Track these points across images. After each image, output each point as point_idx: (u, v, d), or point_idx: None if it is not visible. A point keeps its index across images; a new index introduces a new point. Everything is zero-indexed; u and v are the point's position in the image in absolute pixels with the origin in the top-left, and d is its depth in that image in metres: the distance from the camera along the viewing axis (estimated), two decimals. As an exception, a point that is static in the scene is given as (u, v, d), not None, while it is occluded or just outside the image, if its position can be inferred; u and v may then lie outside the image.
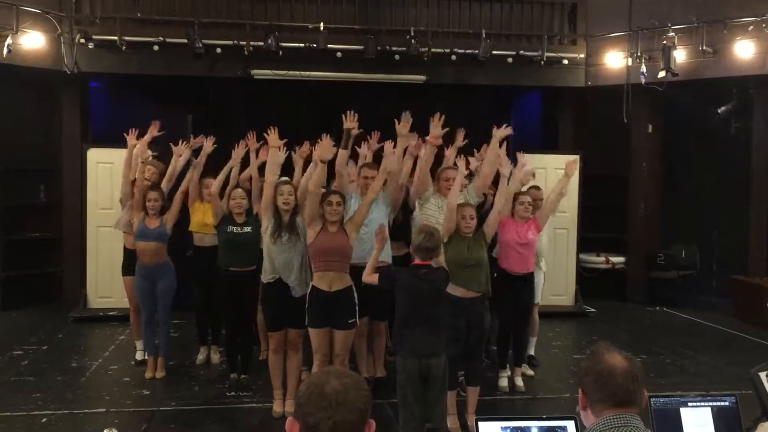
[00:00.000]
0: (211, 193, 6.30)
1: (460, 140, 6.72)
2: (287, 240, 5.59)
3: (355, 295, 5.52)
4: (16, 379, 6.61)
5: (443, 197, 6.09)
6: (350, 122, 5.85)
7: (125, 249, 7.15)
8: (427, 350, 4.84)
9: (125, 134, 7.09)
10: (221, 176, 6.43)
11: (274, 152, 5.76)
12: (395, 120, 6.10)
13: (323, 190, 5.74)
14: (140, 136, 7.09)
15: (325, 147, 5.51)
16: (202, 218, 6.82)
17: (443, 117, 6.07)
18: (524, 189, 6.68)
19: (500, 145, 6.08)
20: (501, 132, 6.00)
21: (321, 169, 5.48)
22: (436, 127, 6.04)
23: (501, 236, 6.26)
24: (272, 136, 5.83)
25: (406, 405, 4.85)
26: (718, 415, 3.02)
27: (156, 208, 6.50)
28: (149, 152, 7.21)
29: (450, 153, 6.66)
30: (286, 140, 5.93)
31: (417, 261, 4.92)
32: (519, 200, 6.34)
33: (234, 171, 6.57)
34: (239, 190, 6.29)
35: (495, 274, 6.06)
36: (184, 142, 7.08)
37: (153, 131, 7.15)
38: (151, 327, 6.69)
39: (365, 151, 6.77)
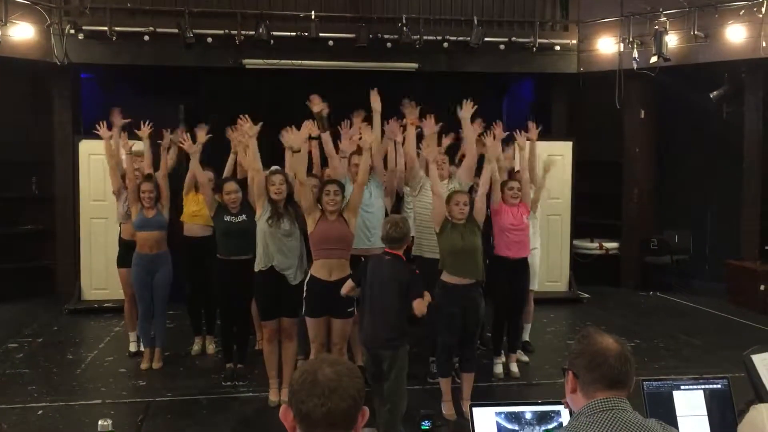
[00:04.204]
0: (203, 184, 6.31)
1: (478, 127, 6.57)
2: (284, 226, 5.59)
3: None
4: (12, 372, 6.61)
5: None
6: (317, 105, 5.89)
7: (121, 240, 7.13)
8: (374, 341, 4.88)
9: (96, 128, 7.10)
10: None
11: (252, 141, 5.80)
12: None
13: (315, 180, 5.77)
14: (130, 128, 7.11)
15: (293, 136, 5.59)
16: (194, 208, 6.81)
17: (419, 106, 6.29)
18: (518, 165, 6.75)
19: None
20: (465, 113, 6.08)
21: (291, 158, 5.61)
22: (412, 113, 6.23)
23: (497, 222, 6.29)
24: (246, 124, 5.85)
25: (377, 395, 4.91)
26: (711, 398, 3.04)
27: (151, 199, 6.48)
28: (131, 143, 7.17)
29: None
30: (261, 124, 5.94)
31: (386, 249, 5.01)
32: (508, 186, 6.36)
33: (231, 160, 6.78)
34: (232, 183, 6.26)
35: (487, 261, 6.07)
36: (170, 138, 6.99)
37: (117, 121, 7.10)
38: (148, 318, 6.69)
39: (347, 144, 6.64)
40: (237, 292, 6.24)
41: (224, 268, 6.22)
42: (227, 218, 6.18)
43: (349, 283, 5.09)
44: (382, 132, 6.37)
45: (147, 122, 7.01)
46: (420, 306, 4.73)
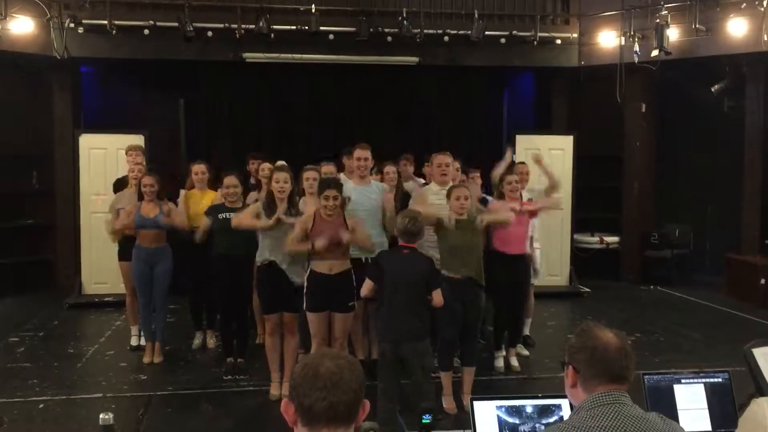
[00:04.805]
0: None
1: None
2: (284, 226, 5.57)
3: (354, 277, 5.52)
4: (13, 366, 6.62)
5: (439, 185, 6.08)
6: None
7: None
8: (401, 335, 4.87)
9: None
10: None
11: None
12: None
13: (314, 173, 5.74)
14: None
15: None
16: (194, 207, 6.81)
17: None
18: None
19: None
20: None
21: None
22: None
23: None
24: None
25: (384, 391, 4.88)
26: (712, 392, 3.05)
27: (153, 193, 6.47)
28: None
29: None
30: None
31: (401, 243, 5.02)
32: (506, 180, 6.33)
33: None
34: (232, 178, 6.25)
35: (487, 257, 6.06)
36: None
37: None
38: (149, 312, 6.70)
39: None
40: (236, 289, 6.24)
41: (223, 264, 6.21)
42: (222, 215, 6.16)
43: (369, 284, 5.01)
44: None
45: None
46: (438, 297, 4.93)
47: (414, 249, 5.00)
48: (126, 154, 7.44)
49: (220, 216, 6.16)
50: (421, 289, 4.92)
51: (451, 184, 6.07)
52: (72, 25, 8.93)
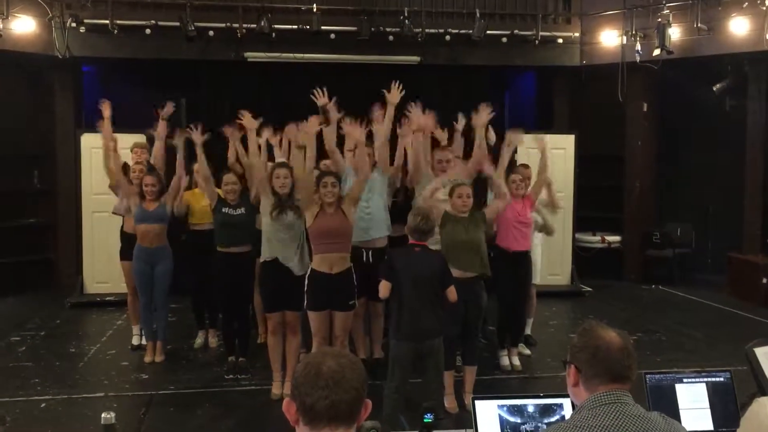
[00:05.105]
0: (204, 177, 6.25)
1: (460, 125, 6.66)
2: (288, 218, 5.59)
3: (355, 276, 5.53)
4: (15, 365, 6.62)
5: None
6: (321, 99, 5.96)
7: (123, 233, 7.14)
8: (422, 334, 4.88)
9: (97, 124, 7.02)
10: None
11: (252, 136, 5.85)
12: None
13: (316, 171, 5.76)
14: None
15: (300, 133, 5.54)
16: (197, 205, 6.81)
17: (419, 102, 6.19)
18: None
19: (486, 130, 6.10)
20: (481, 120, 5.93)
21: (298, 153, 5.60)
22: (418, 115, 6.06)
23: (502, 215, 6.23)
24: (246, 118, 5.83)
25: (396, 391, 4.88)
26: (713, 391, 3.05)
27: (154, 192, 6.48)
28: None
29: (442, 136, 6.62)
30: (261, 120, 5.99)
31: (412, 241, 4.99)
32: (510, 179, 6.32)
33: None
34: (231, 175, 6.27)
35: (491, 254, 6.06)
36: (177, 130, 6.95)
37: (106, 113, 6.96)
38: (149, 311, 6.70)
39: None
40: (237, 288, 6.24)
41: (223, 260, 6.21)
42: (225, 210, 6.17)
43: (386, 284, 4.91)
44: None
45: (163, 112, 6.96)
46: (453, 295, 4.93)
47: (425, 246, 4.98)
48: (131, 151, 7.46)
49: (223, 210, 6.16)
50: (435, 286, 4.91)
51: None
52: (74, 24, 8.95)
